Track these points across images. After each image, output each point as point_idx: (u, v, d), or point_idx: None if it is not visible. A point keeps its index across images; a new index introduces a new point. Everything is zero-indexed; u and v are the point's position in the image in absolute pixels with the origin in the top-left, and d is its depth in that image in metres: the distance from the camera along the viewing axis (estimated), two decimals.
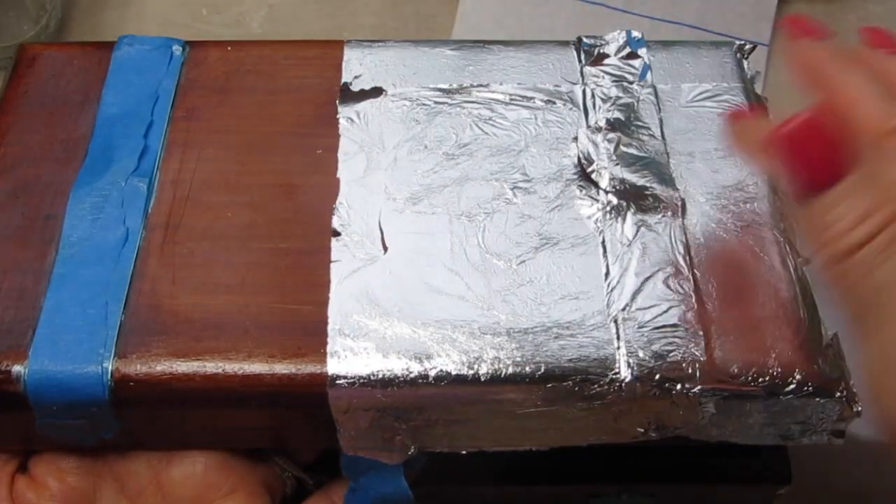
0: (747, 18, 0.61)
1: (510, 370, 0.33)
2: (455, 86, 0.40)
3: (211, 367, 0.33)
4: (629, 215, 0.36)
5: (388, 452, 0.34)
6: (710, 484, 0.41)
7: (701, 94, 0.41)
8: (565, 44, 0.42)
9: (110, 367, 0.32)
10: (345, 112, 0.40)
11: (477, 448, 0.35)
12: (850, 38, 0.63)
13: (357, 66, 0.41)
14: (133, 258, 0.35)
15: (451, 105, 0.40)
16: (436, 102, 0.40)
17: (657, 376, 0.33)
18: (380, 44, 0.42)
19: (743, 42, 0.43)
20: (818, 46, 0.33)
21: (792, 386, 0.33)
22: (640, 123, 0.39)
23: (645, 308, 0.34)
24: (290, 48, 0.43)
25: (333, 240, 0.36)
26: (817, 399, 0.33)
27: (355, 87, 0.40)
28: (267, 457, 0.37)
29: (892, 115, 0.28)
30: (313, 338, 0.33)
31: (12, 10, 0.56)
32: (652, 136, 0.39)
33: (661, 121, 0.39)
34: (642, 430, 0.34)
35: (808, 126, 0.29)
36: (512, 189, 0.37)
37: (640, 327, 0.33)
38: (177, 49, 0.42)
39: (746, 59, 0.42)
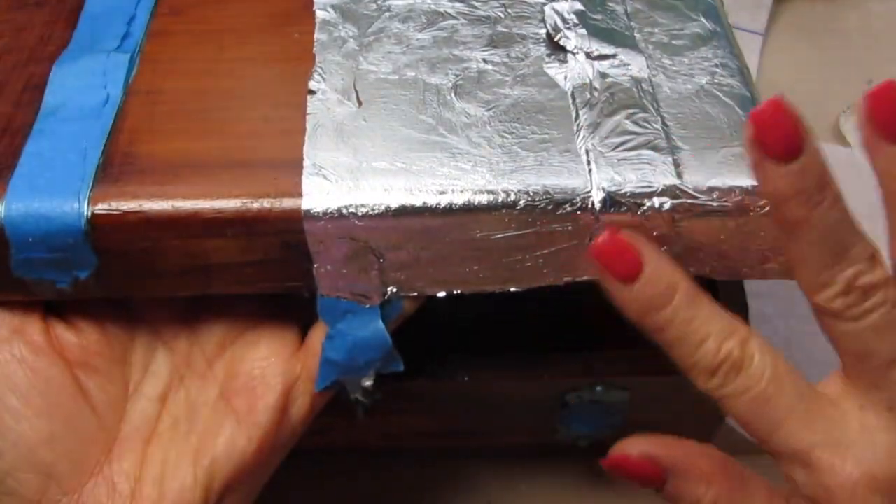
0: (744, 7, 0.63)
1: (483, 197, 0.33)
2: None
3: (188, 200, 0.33)
4: (597, 72, 0.37)
5: (364, 292, 0.35)
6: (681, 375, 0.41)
7: None
8: None
9: (86, 199, 0.33)
10: (321, 4, 0.41)
11: (454, 290, 0.35)
12: (851, 37, 0.64)
13: None
14: (113, 115, 0.36)
15: None
16: None
17: (628, 194, 0.33)
18: None
19: None
20: None
21: (761, 202, 0.33)
22: (604, 6, 0.41)
23: (614, 140, 0.35)
24: None
25: (309, 97, 0.37)
26: None
27: None
28: None
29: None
30: (290, 171, 0.34)
31: None
32: (615, 14, 0.40)
33: (625, 4, 0.41)
34: None
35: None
36: (483, 58, 0.39)
37: (610, 153, 0.34)
38: None
39: None
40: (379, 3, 0.41)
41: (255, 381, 0.35)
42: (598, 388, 0.43)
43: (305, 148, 0.34)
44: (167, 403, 0.37)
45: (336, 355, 0.35)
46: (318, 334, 0.36)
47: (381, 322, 0.35)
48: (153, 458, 0.35)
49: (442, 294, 0.35)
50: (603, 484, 0.47)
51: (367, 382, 0.36)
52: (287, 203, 0.33)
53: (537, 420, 0.46)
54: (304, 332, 0.38)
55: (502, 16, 0.41)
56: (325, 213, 0.33)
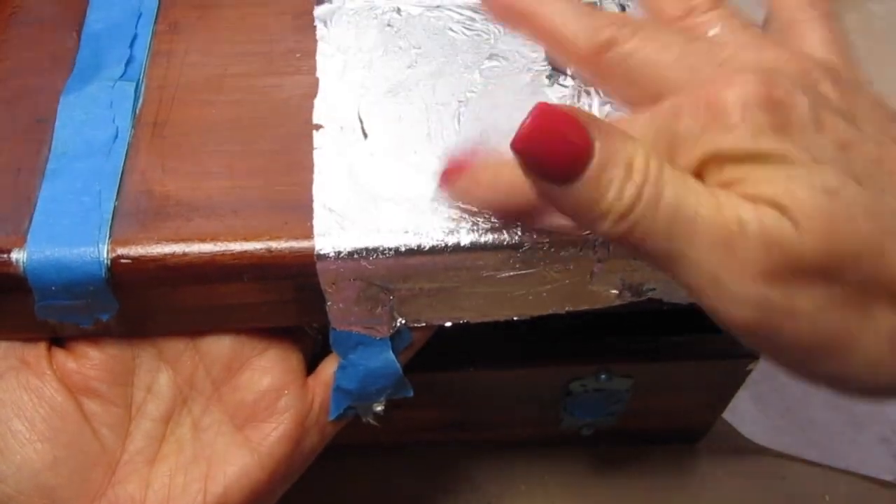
0: (743, 4, 0.63)
1: (489, 237, 0.34)
2: None
3: (203, 243, 0.34)
4: (596, 98, 0.38)
5: (375, 325, 0.36)
6: (684, 361, 0.43)
7: None
8: None
9: (106, 246, 0.34)
10: (321, 19, 0.41)
11: (461, 319, 0.36)
12: (851, 37, 0.63)
13: None
14: (124, 152, 0.36)
15: (425, 12, 0.42)
16: (410, 9, 0.42)
17: None
18: None
19: None
20: None
21: None
22: None
23: None
24: None
25: (315, 130, 0.37)
26: None
27: None
28: None
29: (597, 29, 0.30)
30: (300, 213, 0.35)
31: None
32: None
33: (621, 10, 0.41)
34: (616, 293, 0.36)
35: (543, 121, 0.26)
36: (484, 82, 0.39)
37: None
38: None
39: None
40: (379, 16, 0.41)
41: (268, 411, 0.37)
42: (603, 377, 0.45)
43: (315, 187, 0.35)
44: (171, 425, 0.38)
45: (348, 384, 0.37)
46: (329, 365, 0.38)
47: (391, 352, 0.37)
48: (158, 481, 0.36)
49: (448, 324, 0.37)
50: (602, 483, 0.50)
51: (379, 408, 0.38)
52: (300, 248, 0.34)
53: (543, 410, 0.48)
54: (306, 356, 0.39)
55: (501, 31, 0.41)
56: (336, 256, 0.34)
